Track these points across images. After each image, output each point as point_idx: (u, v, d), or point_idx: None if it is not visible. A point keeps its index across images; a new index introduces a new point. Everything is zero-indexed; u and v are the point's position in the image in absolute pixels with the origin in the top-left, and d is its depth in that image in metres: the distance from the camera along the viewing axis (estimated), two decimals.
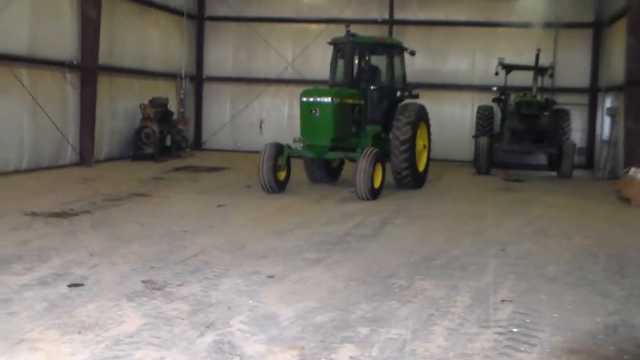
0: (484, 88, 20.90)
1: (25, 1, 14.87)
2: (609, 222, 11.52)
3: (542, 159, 20.32)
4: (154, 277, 6.78)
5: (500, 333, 5.46)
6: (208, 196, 12.69)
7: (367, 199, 12.50)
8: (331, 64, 15.09)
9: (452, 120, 21.98)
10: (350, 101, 13.79)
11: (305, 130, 13.44)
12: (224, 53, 23.55)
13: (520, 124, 18.62)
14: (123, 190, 12.91)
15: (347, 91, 13.86)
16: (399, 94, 14.94)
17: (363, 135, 14.28)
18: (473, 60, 22.07)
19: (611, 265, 8.11)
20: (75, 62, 16.64)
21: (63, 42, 16.33)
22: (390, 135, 14.11)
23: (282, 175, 13.44)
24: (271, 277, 6.99)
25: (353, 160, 13.26)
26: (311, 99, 13.29)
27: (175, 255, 7.77)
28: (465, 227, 10.39)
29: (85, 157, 16.88)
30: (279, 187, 13.26)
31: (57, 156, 16.26)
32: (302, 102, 13.43)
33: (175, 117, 20.73)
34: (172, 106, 20.93)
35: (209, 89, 23.83)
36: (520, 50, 20.70)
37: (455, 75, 22.09)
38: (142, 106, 19.01)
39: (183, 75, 22.37)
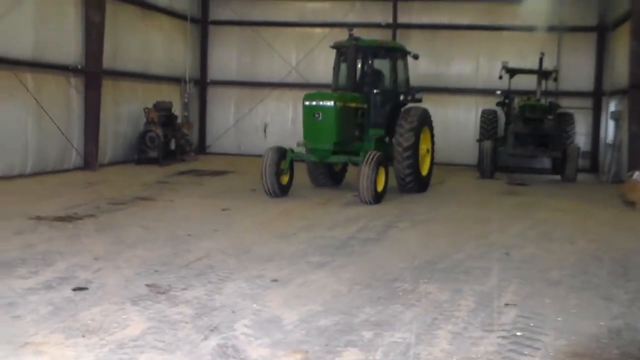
0: (488, 92, 20.88)
1: (30, 6, 14.94)
2: (613, 225, 11.50)
3: (546, 162, 20.30)
4: (158, 281, 6.80)
5: (504, 337, 5.46)
6: (212, 200, 12.71)
7: (371, 203, 12.50)
8: (334, 68, 15.08)
9: (456, 124, 21.98)
10: (353, 105, 13.78)
11: (307, 134, 13.44)
12: (228, 57, 23.61)
13: (524, 128, 18.62)
14: (127, 194, 12.94)
15: (350, 95, 13.85)
16: (402, 97, 14.94)
17: (366, 139, 14.27)
18: (477, 64, 22.09)
19: (615, 268, 8.10)
20: (79, 67, 16.70)
21: (67, 46, 16.40)
22: (394, 141, 14.09)
23: (285, 179, 13.43)
24: (275, 280, 6.99)
25: (356, 164, 13.25)
26: (314, 103, 13.28)
27: (180, 259, 7.79)
28: (469, 231, 10.38)
29: (90, 161, 16.93)
30: (282, 191, 13.26)
31: (62, 160, 16.30)
32: (304, 106, 13.42)
33: (179, 121, 20.78)
34: (176, 110, 20.98)
35: (213, 93, 23.88)
36: (524, 54, 20.69)
37: (459, 79, 22.10)
38: (146, 110, 19.08)
39: (187, 79, 22.43)
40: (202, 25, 23.52)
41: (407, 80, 15.31)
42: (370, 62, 15.11)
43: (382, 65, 15.22)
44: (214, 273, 7.20)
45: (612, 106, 19.78)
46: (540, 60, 19.06)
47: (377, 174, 12.58)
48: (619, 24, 19.34)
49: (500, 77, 19.18)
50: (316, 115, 13.17)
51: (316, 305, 6.15)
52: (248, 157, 21.39)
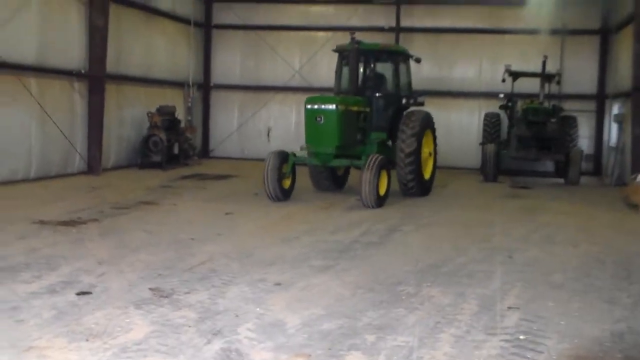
0: (491, 95, 20.91)
1: (34, 11, 15.00)
2: (617, 228, 11.48)
3: (549, 165, 20.28)
4: (162, 285, 6.82)
5: (507, 340, 5.46)
6: (216, 204, 12.73)
7: (373, 207, 12.49)
8: (336, 72, 15.07)
9: (459, 128, 21.99)
10: (355, 108, 13.76)
11: (310, 137, 13.43)
12: (231, 61, 23.66)
13: (528, 131, 18.62)
14: (131, 199, 12.97)
15: (352, 98, 13.85)
16: (404, 101, 14.93)
17: (368, 142, 14.25)
18: (480, 67, 22.10)
19: (618, 272, 8.09)
20: (83, 71, 16.75)
21: (71, 51, 16.45)
22: (396, 146, 14.04)
23: (287, 183, 13.42)
24: (278, 284, 7.01)
25: (358, 167, 13.22)
26: (316, 106, 13.27)
27: (183, 263, 7.80)
28: (472, 234, 10.38)
29: (93, 165, 16.97)
30: (284, 195, 13.25)
31: (65, 164, 16.35)
32: (306, 110, 13.40)
33: (182, 125, 20.82)
34: (180, 114, 21.03)
35: (216, 97, 23.93)
36: (527, 57, 20.70)
37: (462, 82, 22.12)
38: (149, 114, 19.13)
39: (190, 83, 22.48)
40: (205, 29, 23.59)
41: (409, 83, 15.30)
42: (372, 65, 15.15)
43: (384, 68, 15.24)
44: (217, 277, 7.22)
45: (615, 109, 19.78)
46: (544, 63, 19.09)
47: (379, 177, 12.58)
48: (622, 27, 19.34)
49: (504, 80, 19.19)
50: (318, 119, 13.16)
51: (319, 309, 6.16)
52: (251, 161, 21.42)
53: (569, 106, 20.70)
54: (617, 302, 6.74)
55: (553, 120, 18.79)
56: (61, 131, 15.96)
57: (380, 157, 12.80)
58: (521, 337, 5.55)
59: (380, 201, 12.69)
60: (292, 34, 23.16)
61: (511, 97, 19.66)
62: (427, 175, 14.81)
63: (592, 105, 21.64)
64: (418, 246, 9.40)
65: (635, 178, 14.54)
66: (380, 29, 21.96)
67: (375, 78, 15.11)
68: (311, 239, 9.61)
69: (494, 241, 9.92)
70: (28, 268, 7.35)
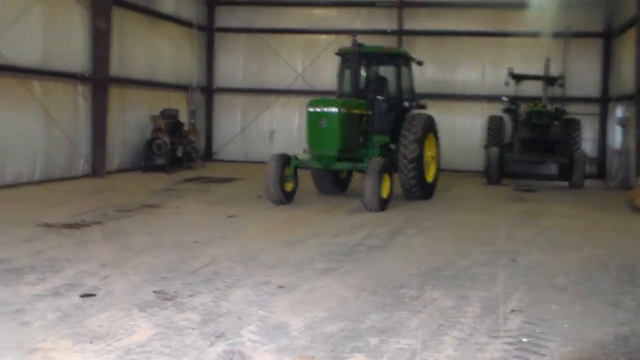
0: (494, 98, 20.90)
1: (38, 14, 15.07)
2: (621, 232, 11.47)
3: (553, 168, 20.28)
4: (165, 288, 6.83)
5: (510, 343, 5.46)
6: (219, 207, 12.75)
7: (376, 210, 12.48)
8: (338, 75, 15.07)
9: (463, 131, 22.00)
10: (357, 111, 13.74)
11: (312, 140, 13.43)
12: (234, 64, 23.70)
13: (531, 134, 18.63)
14: (134, 201, 13.00)
15: (354, 101, 13.84)
16: (406, 104, 14.92)
17: (370, 145, 14.23)
18: (483, 70, 22.10)
19: (622, 275, 8.08)
20: (86, 74, 16.82)
21: (74, 54, 16.52)
22: (399, 153, 14.02)
23: (289, 186, 13.40)
24: (282, 287, 7.02)
25: (361, 170, 13.21)
26: (318, 109, 13.25)
27: (186, 266, 7.82)
28: (475, 237, 10.38)
29: (97, 168, 17.02)
30: (286, 198, 13.24)
31: (69, 167, 16.40)
32: (308, 112, 13.39)
33: (186, 128, 20.87)
34: (183, 117, 21.07)
35: (219, 100, 23.97)
36: (530, 60, 20.72)
37: (465, 85, 22.12)
38: (153, 117, 19.18)
39: (194, 87, 22.53)
40: (208, 32, 23.63)
41: (411, 86, 15.28)
42: (374, 68, 15.14)
43: (386, 71, 15.21)
44: (221, 280, 7.23)
45: (619, 112, 19.75)
46: (546, 66, 19.08)
47: (381, 181, 12.57)
48: (625, 30, 19.33)
49: (507, 84, 19.18)
50: (320, 122, 13.15)
51: (322, 311, 6.17)
52: (255, 164, 21.41)
53: (572, 109, 20.67)
54: (620, 305, 6.74)
55: (556, 123, 18.80)
56: (65, 134, 16.02)
57: (382, 161, 12.80)
58: (524, 339, 5.55)
59: (383, 204, 12.69)
60: (295, 37, 23.20)
61: (514, 100, 19.66)
62: (429, 178, 14.79)
63: (595, 108, 21.62)
64: (421, 249, 9.41)
65: (639, 181, 14.52)
66: (383, 32, 21.97)
67: (377, 81, 15.10)
68: (314, 242, 9.63)
69: (498, 244, 9.92)
70: (33, 270, 7.38)
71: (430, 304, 6.55)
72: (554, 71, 19.76)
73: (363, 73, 14.96)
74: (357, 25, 21.79)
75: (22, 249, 8.48)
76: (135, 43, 19.16)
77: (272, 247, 9.17)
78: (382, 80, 15.16)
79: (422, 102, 15.25)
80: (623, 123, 19.06)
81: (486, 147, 19.35)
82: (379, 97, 14.76)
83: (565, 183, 18.73)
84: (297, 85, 22.91)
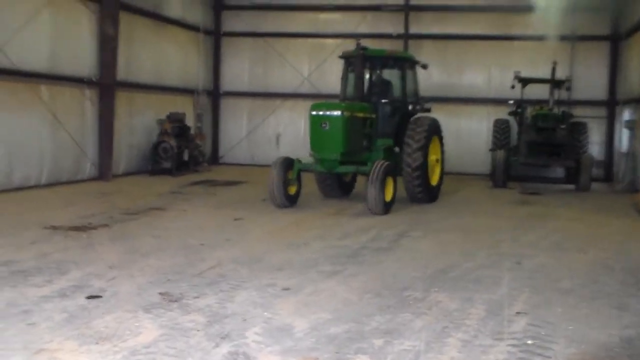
0: (500, 101, 20.91)
1: (45, 19, 15.17)
2: (627, 235, 11.44)
3: (559, 172, 20.21)
4: (171, 290, 6.87)
5: (514, 345, 5.47)
6: (225, 210, 12.79)
7: (379, 214, 12.47)
8: (342, 78, 15.03)
9: (469, 134, 21.99)
10: (360, 115, 13.71)
11: (315, 144, 13.38)
12: (240, 68, 23.77)
13: (537, 137, 18.60)
14: (141, 204, 13.05)
15: (357, 105, 13.81)
16: (410, 107, 14.91)
17: (374, 149, 14.20)
18: (489, 73, 22.09)
19: (627, 278, 8.07)
20: (93, 79, 16.91)
21: (82, 58, 16.62)
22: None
23: (292, 189, 13.38)
24: (286, 289, 7.04)
25: (364, 174, 13.11)
26: (321, 113, 13.21)
27: (192, 268, 7.86)
28: (480, 240, 10.38)
29: (104, 171, 17.10)
30: (289, 201, 13.22)
31: (76, 171, 16.48)
32: (311, 116, 13.35)
33: (192, 132, 20.94)
34: (190, 121, 21.14)
35: (225, 104, 24.04)
36: (537, 63, 20.68)
37: (471, 88, 22.12)
38: (159, 121, 19.26)
39: (200, 91, 22.61)
40: (214, 36, 23.72)
41: (416, 90, 15.26)
42: (378, 71, 15.13)
43: (390, 75, 15.21)
44: (226, 282, 7.26)
45: (626, 115, 19.71)
46: (553, 69, 19.06)
47: (385, 184, 12.54)
48: (632, 33, 19.29)
49: (513, 87, 19.17)
50: (323, 125, 13.10)
51: (327, 313, 6.19)
52: (261, 167, 21.44)
53: (579, 112, 20.66)
54: (626, 308, 6.73)
55: (563, 126, 18.76)
56: (72, 138, 16.11)
57: (386, 164, 12.76)
58: (529, 342, 5.56)
59: (386, 208, 12.67)
60: (301, 41, 23.25)
61: (521, 103, 19.65)
62: (434, 181, 14.77)
63: (602, 111, 21.58)
64: (426, 252, 9.41)
65: None
66: (389, 36, 22.00)
67: (381, 84, 15.08)
68: (319, 244, 9.65)
69: (503, 247, 9.92)
70: (39, 272, 7.44)
71: (434, 306, 6.56)
72: (561, 74, 19.73)
73: (368, 76, 14.94)
74: (363, 29, 21.83)
75: (29, 251, 8.54)
76: (142, 47, 19.25)
77: (277, 249, 9.20)
78: (386, 84, 15.15)
79: (427, 105, 15.23)
80: (630, 126, 19.00)
81: (492, 150, 19.33)
82: (382, 100, 14.74)
83: (572, 186, 18.66)
84: (304, 89, 22.95)
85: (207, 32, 23.07)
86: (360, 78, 14.13)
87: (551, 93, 19.48)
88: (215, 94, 23.88)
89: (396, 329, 5.81)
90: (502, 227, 11.67)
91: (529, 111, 19.45)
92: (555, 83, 19.37)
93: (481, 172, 20.66)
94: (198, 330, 5.60)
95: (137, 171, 19.02)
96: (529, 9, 20.19)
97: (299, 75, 23.06)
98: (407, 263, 8.59)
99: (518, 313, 6.39)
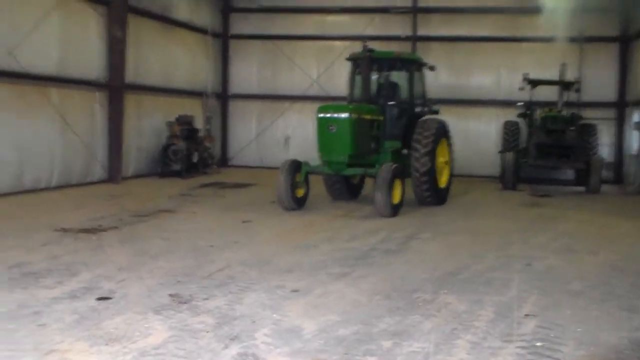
0: (509, 103, 20.86)
1: (54, 22, 15.26)
2: (637, 237, 11.40)
3: (569, 174, 20.15)
4: (181, 291, 6.90)
5: (523, 347, 5.46)
6: (234, 212, 12.81)
7: (387, 216, 12.44)
8: (349, 80, 15.02)
9: (477, 136, 21.94)
10: (368, 117, 13.68)
11: (322, 146, 13.36)
12: (249, 71, 23.82)
13: (547, 139, 18.56)
14: (150, 207, 13.10)
15: (365, 107, 13.78)
16: (418, 109, 14.88)
17: (382, 151, 14.16)
18: (498, 75, 22.05)
19: (638, 280, 8.03)
20: (102, 81, 16.99)
21: (91, 61, 16.71)
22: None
23: (300, 192, 13.36)
24: (295, 291, 7.05)
25: (372, 176, 13.05)
26: (328, 115, 13.19)
27: (201, 270, 7.89)
28: (490, 242, 10.36)
29: (113, 174, 17.17)
30: (297, 204, 13.20)
31: (86, 173, 16.56)
32: (318, 118, 13.33)
33: (201, 134, 21.00)
34: (199, 124, 21.20)
35: (234, 106, 24.09)
36: (546, 65, 20.62)
37: (480, 90, 22.07)
38: (168, 124, 19.33)
39: (209, 93, 22.67)
40: (223, 39, 23.78)
41: (423, 91, 15.21)
42: (385, 73, 15.10)
43: (398, 77, 15.15)
44: (235, 284, 7.28)
45: (636, 116, 19.61)
46: (562, 71, 19.00)
47: (392, 186, 12.51)
48: None
49: (522, 89, 19.11)
50: (330, 128, 13.08)
51: (335, 315, 6.20)
52: (270, 170, 21.46)
53: (589, 114, 20.57)
54: (636, 310, 6.69)
55: (572, 128, 18.72)
56: (81, 140, 16.20)
57: (393, 166, 12.72)
58: (538, 344, 5.55)
59: (394, 210, 12.64)
60: (309, 43, 23.27)
61: (529, 105, 19.60)
62: (442, 184, 14.70)
63: (612, 113, 21.48)
64: (435, 254, 9.40)
65: None
66: (397, 38, 21.99)
67: (388, 86, 15.03)
68: (328, 247, 9.66)
69: (512, 249, 9.89)
70: (50, 274, 7.48)
71: (443, 308, 6.55)
72: (570, 76, 19.67)
73: (375, 78, 14.91)
74: (371, 31, 21.83)
75: (40, 253, 8.59)
76: (150, 50, 19.34)
77: (285, 251, 9.21)
78: (394, 86, 15.11)
79: (435, 107, 15.19)
80: None
81: (501, 152, 19.28)
82: (390, 102, 14.70)
83: (582, 188, 18.59)
84: (312, 91, 22.97)
85: (215, 35, 23.14)
86: (367, 80, 14.11)
87: (560, 95, 19.43)
88: (223, 97, 23.94)
89: (405, 330, 5.81)
90: (511, 229, 11.64)
91: (538, 113, 19.41)
92: (564, 85, 19.32)
93: (490, 174, 20.63)
94: (207, 332, 5.63)
95: (146, 173, 19.08)
96: (537, 10, 20.15)
97: (307, 78, 23.09)
98: (416, 265, 8.58)
99: (527, 315, 6.37)
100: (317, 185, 14.57)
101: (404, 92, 15.01)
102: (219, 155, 23.37)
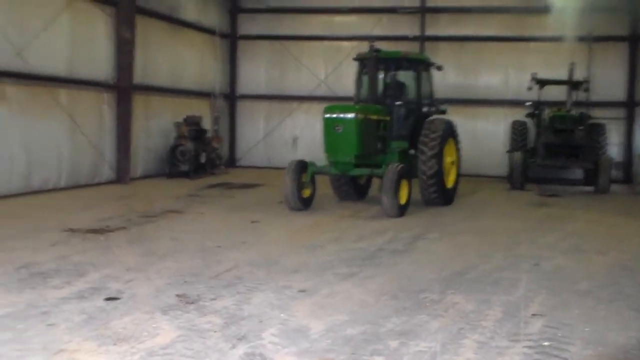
0: (517, 103, 20.79)
1: (63, 24, 15.34)
2: None
3: (578, 173, 20.07)
4: (188, 291, 6.92)
5: (530, 347, 5.45)
6: (242, 212, 12.83)
7: (394, 217, 12.42)
8: (356, 80, 14.98)
9: (485, 136, 21.87)
10: (374, 117, 13.62)
11: (329, 146, 13.33)
12: (256, 71, 23.85)
13: (555, 139, 18.49)
14: (158, 207, 13.14)
15: (372, 107, 13.74)
16: (425, 109, 14.84)
17: (389, 151, 14.10)
18: (506, 75, 21.99)
19: None
20: (111, 82, 17.06)
21: (99, 62, 16.78)
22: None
23: (306, 192, 13.33)
24: (303, 291, 7.06)
25: (379, 176, 13.00)
26: (334, 115, 13.16)
27: (209, 270, 7.91)
28: (497, 242, 10.33)
29: (121, 174, 17.23)
30: (303, 204, 13.18)
31: (94, 174, 16.63)
32: (324, 119, 13.29)
33: (209, 135, 21.04)
34: (206, 124, 21.25)
35: (242, 107, 24.13)
36: (554, 64, 20.54)
37: (488, 90, 22.01)
38: (177, 124, 19.39)
39: (216, 94, 22.72)
40: (230, 39, 23.82)
41: (431, 91, 15.17)
42: (392, 73, 15.06)
43: (405, 76, 15.08)
44: (243, 284, 7.30)
45: None
46: (571, 70, 18.93)
47: (399, 187, 12.47)
48: None
49: (530, 89, 19.04)
50: (337, 128, 13.05)
51: (343, 315, 6.21)
52: (278, 170, 21.44)
53: (598, 114, 20.47)
54: None
55: (580, 128, 18.64)
56: (90, 141, 16.27)
57: (400, 166, 12.66)
58: (545, 343, 5.54)
59: (401, 210, 12.61)
60: (317, 43, 23.28)
61: (538, 105, 19.54)
62: (449, 184, 14.64)
63: (621, 113, 21.38)
64: (442, 254, 9.39)
65: None
66: (405, 38, 21.97)
67: (395, 86, 14.97)
68: (335, 247, 9.66)
69: (520, 249, 9.86)
70: (58, 274, 7.52)
71: (451, 308, 6.55)
72: (579, 76, 19.59)
73: (382, 78, 14.88)
74: (379, 31, 21.79)
75: (49, 253, 8.64)
76: (158, 51, 19.39)
77: (293, 252, 9.22)
78: (401, 86, 15.05)
79: (442, 107, 15.14)
80: None
81: (509, 152, 19.23)
82: (397, 102, 14.66)
83: (591, 188, 18.51)
84: (320, 92, 22.95)
85: (223, 35, 23.18)
86: (374, 80, 14.07)
87: (569, 94, 19.35)
88: (231, 97, 23.98)
89: (412, 330, 5.81)
90: (519, 229, 11.61)
91: (547, 113, 19.34)
92: (573, 84, 19.24)
93: (498, 174, 20.56)
94: (215, 332, 5.64)
95: (154, 174, 19.14)
96: (545, 9, 20.08)
97: (315, 78, 23.10)
98: (424, 265, 8.57)
99: (535, 315, 6.36)
100: (324, 186, 14.56)
101: (411, 92, 14.96)
102: (226, 155, 23.41)
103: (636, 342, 5.65)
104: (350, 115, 13.03)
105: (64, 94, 15.45)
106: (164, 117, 19.64)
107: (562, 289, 7.42)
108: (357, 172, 13.54)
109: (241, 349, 5.24)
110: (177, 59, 20.45)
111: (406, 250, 9.56)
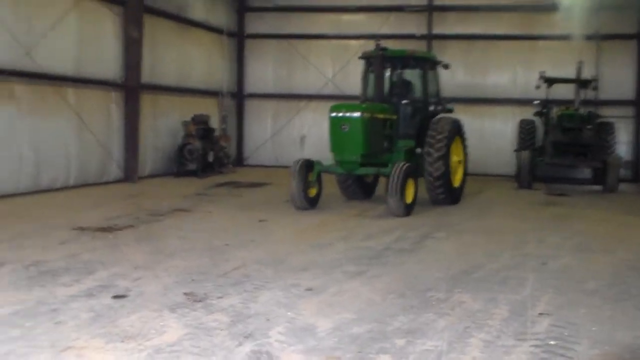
0: (525, 102, 20.74)
1: (71, 23, 15.41)
2: None
3: (587, 172, 19.99)
4: (196, 290, 6.95)
5: (537, 346, 5.45)
6: (249, 211, 12.86)
7: (401, 216, 12.40)
8: (362, 79, 14.92)
9: (493, 134, 21.84)
10: (381, 116, 13.57)
11: (335, 146, 13.29)
12: (264, 70, 23.88)
13: (563, 138, 18.44)
14: (166, 206, 13.18)
15: (378, 106, 13.70)
16: (432, 108, 14.80)
17: (395, 150, 14.05)
18: (514, 73, 21.95)
19: None
20: (119, 81, 17.13)
21: (107, 61, 16.85)
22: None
23: (313, 192, 13.31)
24: (310, 289, 7.08)
25: (385, 175, 12.93)
26: (340, 114, 13.12)
27: (217, 269, 7.94)
28: (505, 241, 10.32)
29: (129, 173, 17.30)
30: (310, 203, 13.16)
31: (102, 173, 16.71)
32: (331, 117, 13.26)
33: (217, 133, 21.09)
34: (214, 123, 21.29)
35: (250, 106, 24.17)
36: (562, 63, 20.48)
37: (496, 89, 21.97)
38: (184, 123, 19.44)
39: (224, 93, 22.77)
40: (238, 38, 23.86)
41: (437, 90, 15.11)
42: (399, 72, 15.01)
43: (411, 75, 15.03)
44: (250, 282, 7.32)
45: None
46: (579, 69, 18.87)
47: (405, 186, 12.43)
48: None
49: (538, 87, 18.99)
50: (343, 127, 13.01)
51: (350, 313, 6.22)
52: (285, 169, 21.42)
53: (606, 112, 20.42)
54: None
55: (589, 126, 18.59)
56: (98, 140, 16.34)
57: (406, 165, 12.60)
58: (551, 342, 5.53)
59: (407, 209, 12.57)
60: (324, 42, 23.29)
61: (546, 103, 19.48)
62: (456, 183, 14.59)
63: (630, 111, 21.30)
64: (449, 253, 9.39)
65: None
66: (412, 37, 21.94)
67: (402, 85, 14.91)
68: (342, 245, 9.68)
69: (528, 248, 9.85)
70: (67, 272, 7.58)
71: (457, 307, 6.55)
72: (587, 74, 19.52)
73: (388, 77, 14.84)
74: (386, 30, 21.78)
75: (58, 251, 8.70)
76: (166, 50, 19.45)
77: (300, 250, 9.25)
78: (407, 84, 14.99)
79: (449, 106, 15.09)
80: None
81: (517, 151, 19.19)
82: (403, 101, 14.61)
83: (599, 187, 18.43)
84: (328, 90, 22.95)
85: (230, 34, 23.23)
86: (380, 78, 14.01)
87: (577, 93, 19.29)
88: (239, 96, 24.03)
89: (419, 328, 5.82)
90: (527, 229, 11.58)
91: (555, 111, 19.28)
92: (581, 83, 19.18)
93: (506, 173, 20.51)
94: (222, 330, 5.67)
95: (162, 173, 19.20)
96: (553, 8, 20.04)
97: (322, 77, 23.11)
98: (431, 264, 8.58)
99: (541, 314, 6.35)
100: (331, 185, 14.58)
101: (417, 91, 14.89)
102: (234, 154, 23.45)
103: None
104: (357, 114, 13.01)
105: (71, 93, 15.52)
106: (171, 116, 19.71)
107: (569, 288, 7.41)
108: (363, 171, 13.50)
109: (248, 347, 5.27)
110: (184, 58, 20.51)
111: (413, 249, 9.57)
